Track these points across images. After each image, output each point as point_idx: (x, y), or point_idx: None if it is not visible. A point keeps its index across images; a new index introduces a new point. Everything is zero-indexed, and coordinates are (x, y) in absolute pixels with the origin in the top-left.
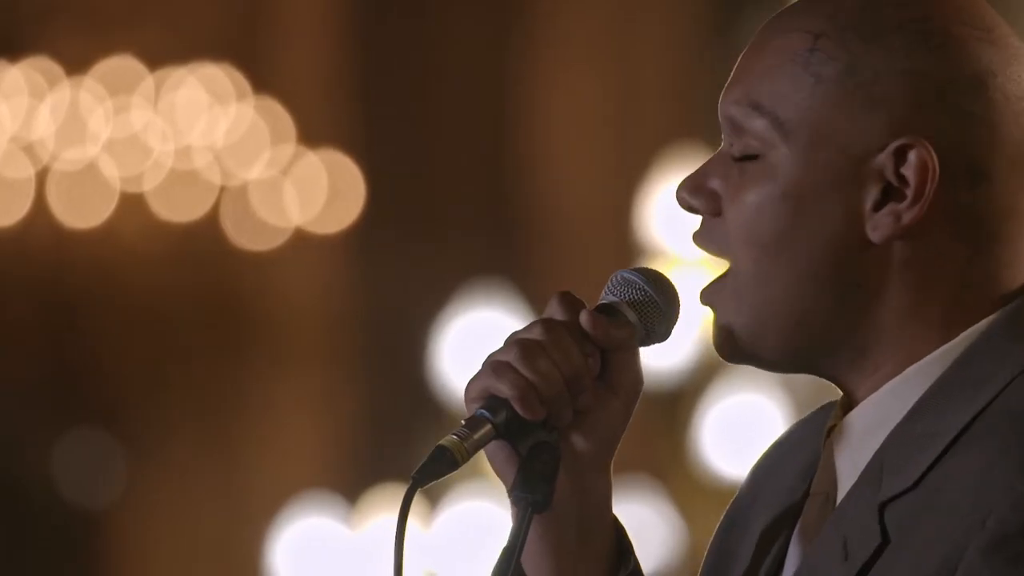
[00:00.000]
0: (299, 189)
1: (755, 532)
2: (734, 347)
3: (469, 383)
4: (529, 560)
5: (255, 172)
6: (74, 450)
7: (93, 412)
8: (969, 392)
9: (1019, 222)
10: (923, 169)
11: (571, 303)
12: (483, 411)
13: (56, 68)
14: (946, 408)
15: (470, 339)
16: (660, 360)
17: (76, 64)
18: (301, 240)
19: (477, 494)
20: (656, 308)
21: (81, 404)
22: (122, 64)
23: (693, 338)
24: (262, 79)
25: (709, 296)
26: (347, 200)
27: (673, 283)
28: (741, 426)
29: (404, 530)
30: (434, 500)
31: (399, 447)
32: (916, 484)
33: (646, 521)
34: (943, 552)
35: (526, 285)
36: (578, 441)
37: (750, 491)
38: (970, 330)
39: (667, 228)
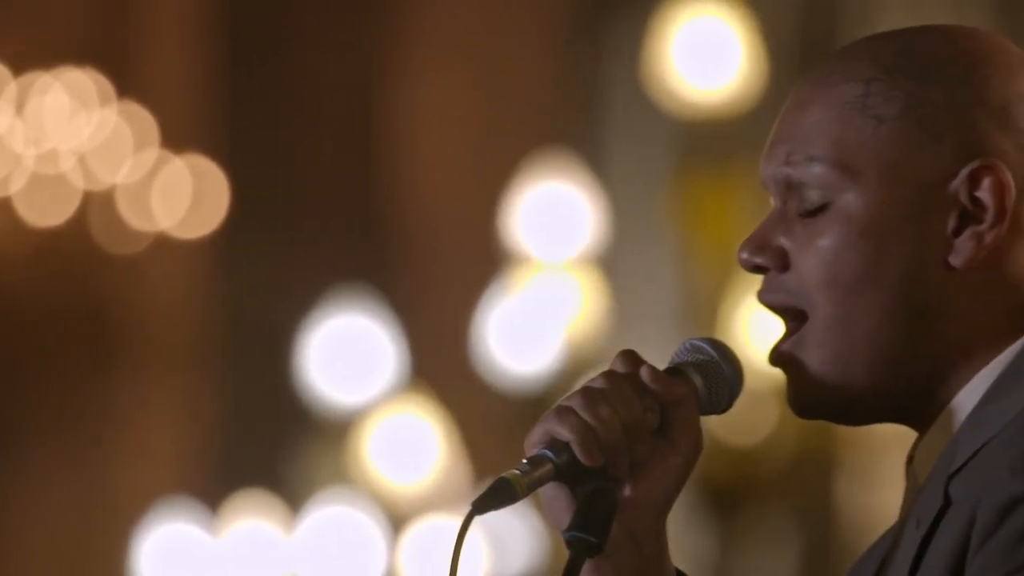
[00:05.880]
0: (163, 194)
1: None
2: (816, 401)
3: (534, 428)
4: None
5: (120, 176)
6: None
7: None
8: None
9: None
10: (1000, 188)
11: (633, 359)
12: (545, 450)
13: None
14: (1006, 395)
15: (335, 344)
16: None
17: None
18: (165, 245)
19: (341, 500)
20: (719, 372)
21: None
22: None
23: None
24: (126, 84)
25: (781, 355)
26: (211, 205)
27: (739, 358)
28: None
29: (459, 556)
30: (296, 506)
31: (263, 453)
32: (975, 454)
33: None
34: (974, 503)
35: (391, 290)
36: (635, 491)
37: None
38: (1018, 343)
39: (531, 233)
